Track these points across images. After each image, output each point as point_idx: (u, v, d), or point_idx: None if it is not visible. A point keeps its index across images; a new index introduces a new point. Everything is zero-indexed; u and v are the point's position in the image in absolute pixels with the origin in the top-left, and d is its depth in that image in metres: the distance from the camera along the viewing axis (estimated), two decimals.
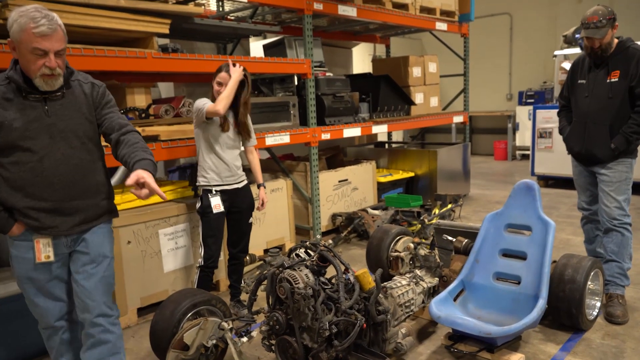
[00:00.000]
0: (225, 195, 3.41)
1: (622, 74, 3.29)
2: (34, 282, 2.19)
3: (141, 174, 2.04)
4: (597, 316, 3.25)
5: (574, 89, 3.59)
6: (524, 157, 10.52)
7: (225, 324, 2.68)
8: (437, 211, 5.52)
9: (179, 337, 2.62)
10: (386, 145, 8.08)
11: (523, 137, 10.53)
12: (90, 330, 2.25)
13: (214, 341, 2.69)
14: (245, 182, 3.56)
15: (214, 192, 3.37)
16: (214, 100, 3.33)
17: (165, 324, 2.74)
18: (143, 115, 3.91)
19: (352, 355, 2.49)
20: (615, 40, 3.35)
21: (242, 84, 3.37)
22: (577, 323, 3.06)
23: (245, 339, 2.73)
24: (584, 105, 3.49)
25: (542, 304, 2.85)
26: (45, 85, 2.04)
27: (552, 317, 3.21)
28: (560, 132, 3.75)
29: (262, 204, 3.67)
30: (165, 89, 5.85)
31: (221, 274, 4.08)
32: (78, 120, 2.16)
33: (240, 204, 3.50)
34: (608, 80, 3.35)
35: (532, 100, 10.15)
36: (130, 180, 2.03)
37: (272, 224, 4.72)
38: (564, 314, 3.08)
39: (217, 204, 3.34)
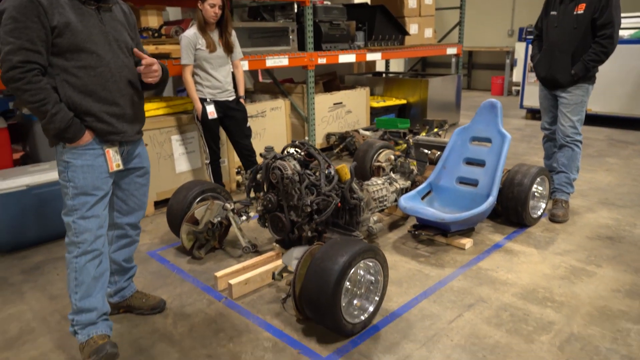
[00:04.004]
0: (217, 105, 4.05)
1: (587, 6, 3.67)
2: (99, 191, 2.15)
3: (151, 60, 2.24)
4: (541, 216, 3.84)
5: (546, 19, 3.98)
6: (519, 92, 10.84)
7: (228, 205, 3.29)
8: (424, 134, 6.02)
9: (191, 214, 3.24)
10: (383, 75, 8.45)
11: (520, 73, 10.79)
12: (130, 231, 2.49)
13: (219, 219, 3.31)
14: (234, 96, 4.16)
15: (209, 101, 4.01)
16: (203, 23, 3.85)
17: (179, 205, 3.35)
18: (156, 34, 4.34)
19: (330, 229, 3.10)
20: None
21: (224, 6, 3.85)
22: (522, 219, 3.66)
23: (244, 218, 3.35)
24: (553, 34, 3.89)
25: (491, 200, 3.43)
26: None
27: (504, 217, 3.80)
28: (532, 59, 4.18)
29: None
30: (173, 13, 6.21)
31: (224, 178, 4.68)
32: (125, 33, 2.23)
33: (235, 114, 4.14)
34: (575, 12, 3.73)
35: (531, 37, 10.31)
36: (146, 60, 2.19)
37: (271, 139, 5.25)
38: (511, 212, 3.67)
39: (211, 111, 4.01)
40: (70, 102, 2.05)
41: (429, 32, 7.17)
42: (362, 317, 2.42)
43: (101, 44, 2.09)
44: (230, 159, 4.70)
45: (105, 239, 2.25)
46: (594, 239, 3.49)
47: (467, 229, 3.56)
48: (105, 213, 2.22)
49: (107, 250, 2.29)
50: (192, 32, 3.87)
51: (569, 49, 3.78)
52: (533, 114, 8.17)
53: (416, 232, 3.50)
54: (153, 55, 2.34)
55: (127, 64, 2.21)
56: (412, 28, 6.85)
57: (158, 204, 4.29)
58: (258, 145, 5.02)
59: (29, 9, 1.90)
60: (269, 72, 5.67)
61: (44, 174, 3.58)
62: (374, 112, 6.64)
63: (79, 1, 2.04)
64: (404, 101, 6.99)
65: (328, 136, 5.93)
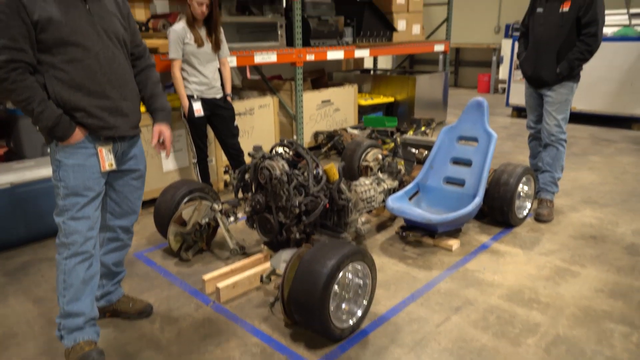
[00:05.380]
0: (205, 103, 4.01)
1: (573, 4, 3.68)
2: (90, 191, 2.12)
3: (163, 131, 2.34)
4: (527, 216, 3.88)
5: (532, 17, 4.00)
6: (505, 90, 10.92)
7: (216, 206, 3.26)
8: (411, 133, 6.04)
9: (178, 214, 3.22)
10: (371, 72, 8.44)
11: (506, 71, 10.87)
12: (122, 235, 2.45)
13: (207, 220, 3.29)
14: (222, 94, 4.13)
15: (196, 98, 3.97)
16: (191, 18, 3.82)
17: (166, 205, 3.33)
18: (143, 28, 4.28)
19: (318, 231, 3.10)
20: None
21: (214, 4, 3.82)
22: (507, 219, 3.69)
23: (232, 219, 3.33)
24: (538, 32, 3.91)
25: (477, 200, 3.45)
26: None
27: (490, 217, 3.84)
28: (518, 56, 4.21)
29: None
30: (161, 5, 6.11)
31: (212, 178, 4.65)
32: (116, 23, 2.16)
33: (222, 112, 4.11)
34: (560, 10, 3.75)
35: (518, 34, 10.37)
36: (154, 139, 2.33)
37: (259, 137, 5.22)
38: (497, 212, 3.70)
39: (198, 109, 3.97)
40: (59, 98, 2.02)
41: (416, 29, 7.17)
42: (351, 322, 2.43)
43: (88, 35, 2.03)
44: (218, 158, 4.67)
45: (97, 241, 2.22)
46: (578, 238, 3.54)
47: (454, 229, 3.58)
48: (97, 214, 2.19)
49: (98, 252, 2.26)
50: (180, 26, 3.83)
51: (554, 47, 3.80)
52: (519, 112, 8.24)
53: (404, 234, 3.52)
54: None
55: (117, 55, 2.15)
56: (400, 24, 6.85)
57: (145, 204, 4.23)
58: (246, 144, 4.98)
59: (9, 6, 1.89)
60: (257, 68, 5.62)
61: (29, 172, 3.52)
62: (362, 110, 6.64)
63: None
64: (391, 99, 7.00)
65: (316, 135, 5.92)
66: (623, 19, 7.87)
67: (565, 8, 3.72)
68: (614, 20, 7.83)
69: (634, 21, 7.76)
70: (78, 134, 2.06)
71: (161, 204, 3.36)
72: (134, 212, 2.47)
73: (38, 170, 3.54)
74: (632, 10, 7.80)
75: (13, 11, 1.88)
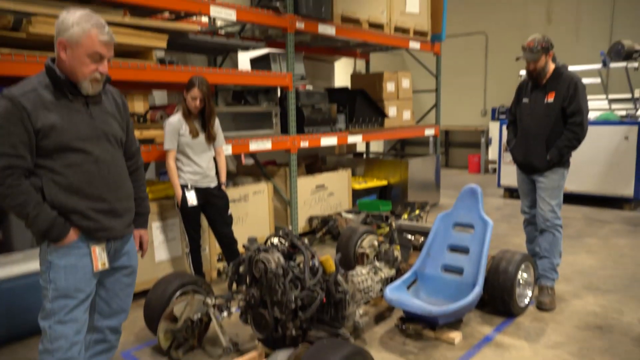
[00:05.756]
0: (199, 193, 3.99)
1: (557, 95, 3.84)
2: (80, 293, 2.08)
3: (142, 235, 2.43)
4: (528, 304, 3.78)
5: (519, 107, 4.14)
6: (495, 170, 11.14)
7: (209, 300, 3.15)
8: (406, 216, 6.04)
9: (169, 310, 3.09)
10: (364, 156, 8.61)
11: (495, 152, 11.15)
12: (110, 336, 2.35)
13: (199, 315, 3.16)
14: (216, 182, 4.13)
15: (189, 187, 3.97)
16: (187, 111, 3.92)
17: (157, 299, 3.21)
18: (141, 120, 4.38)
19: (315, 326, 2.97)
20: (552, 66, 3.91)
21: (208, 99, 3.92)
22: (509, 308, 3.58)
23: (225, 314, 3.20)
24: (526, 121, 4.04)
25: (477, 290, 3.37)
26: (91, 89, 2.06)
27: (491, 306, 3.73)
28: (508, 144, 4.30)
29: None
30: (160, 96, 6.33)
31: (205, 266, 4.55)
32: (115, 125, 2.20)
33: (216, 202, 4.09)
34: (545, 101, 3.90)
35: (504, 116, 10.79)
36: (136, 244, 2.39)
37: (253, 224, 5.19)
38: (498, 301, 3.60)
39: (191, 199, 3.94)
40: (56, 201, 2.02)
41: (407, 114, 7.43)
42: None
43: (89, 139, 2.07)
44: (212, 246, 4.59)
45: (82, 345, 2.12)
46: (584, 328, 3.42)
47: (455, 319, 3.46)
48: (85, 317, 2.13)
49: (83, 358, 2.14)
50: (176, 118, 3.92)
51: (543, 135, 3.90)
52: (511, 192, 8.33)
53: (403, 326, 3.39)
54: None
55: (115, 157, 2.19)
56: (391, 110, 7.10)
57: (135, 296, 4.07)
58: (240, 231, 4.93)
59: (12, 114, 1.93)
60: (252, 154, 5.72)
61: (16, 266, 3.41)
62: (356, 194, 6.68)
63: (66, 99, 2.03)
64: (385, 182, 7.07)
65: (310, 219, 5.90)
66: (603, 104, 8.22)
67: (550, 99, 3.87)
68: (595, 105, 8.17)
69: (613, 106, 8.10)
70: (72, 235, 2.06)
71: (152, 300, 3.24)
72: (124, 310, 2.38)
73: (25, 265, 3.44)
74: (611, 96, 8.17)
75: (16, 119, 1.92)
